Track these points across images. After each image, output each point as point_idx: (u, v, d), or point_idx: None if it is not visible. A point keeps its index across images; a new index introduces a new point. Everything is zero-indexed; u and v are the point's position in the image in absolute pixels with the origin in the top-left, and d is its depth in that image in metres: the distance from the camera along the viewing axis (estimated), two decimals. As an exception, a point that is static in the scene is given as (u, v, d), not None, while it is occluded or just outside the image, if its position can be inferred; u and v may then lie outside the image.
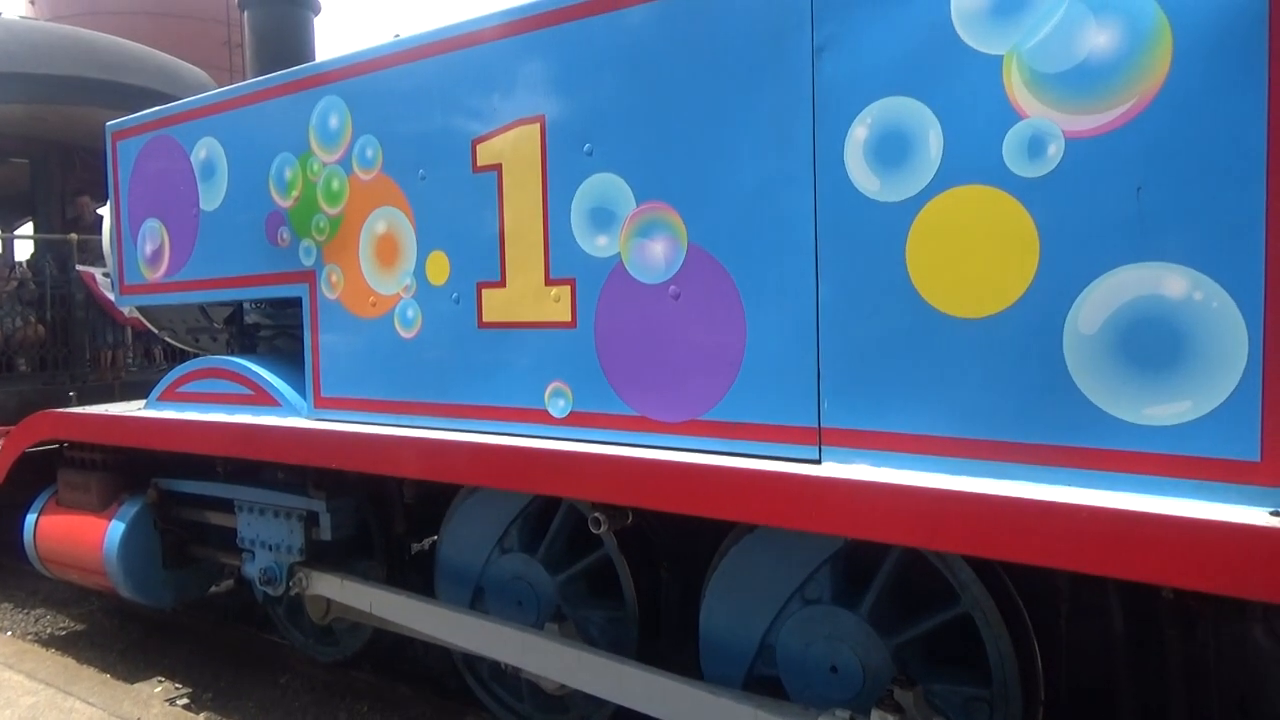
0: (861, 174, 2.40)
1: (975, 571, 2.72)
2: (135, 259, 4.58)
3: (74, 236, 6.82)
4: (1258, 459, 1.93)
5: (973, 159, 2.24)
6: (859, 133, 2.40)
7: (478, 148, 3.21)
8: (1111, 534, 1.97)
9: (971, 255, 2.26)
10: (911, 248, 2.34)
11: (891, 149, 2.35)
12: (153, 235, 4.46)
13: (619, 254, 2.88)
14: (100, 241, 5.63)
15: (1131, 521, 1.95)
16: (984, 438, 2.27)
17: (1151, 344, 2.04)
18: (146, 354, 7.38)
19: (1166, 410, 2.03)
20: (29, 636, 5.45)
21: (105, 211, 5.01)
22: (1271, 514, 1.87)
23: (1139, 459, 2.07)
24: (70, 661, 4.88)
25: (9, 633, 5.51)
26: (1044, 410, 2.18)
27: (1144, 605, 2.65)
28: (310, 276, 3.79)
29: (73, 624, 5.68)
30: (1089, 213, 2.10)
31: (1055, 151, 2.13)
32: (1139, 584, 2.51)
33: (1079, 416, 2.13)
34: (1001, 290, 2.22)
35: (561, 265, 3.03)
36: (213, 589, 5.46)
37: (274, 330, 4.77)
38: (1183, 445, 2.01)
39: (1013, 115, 2.18)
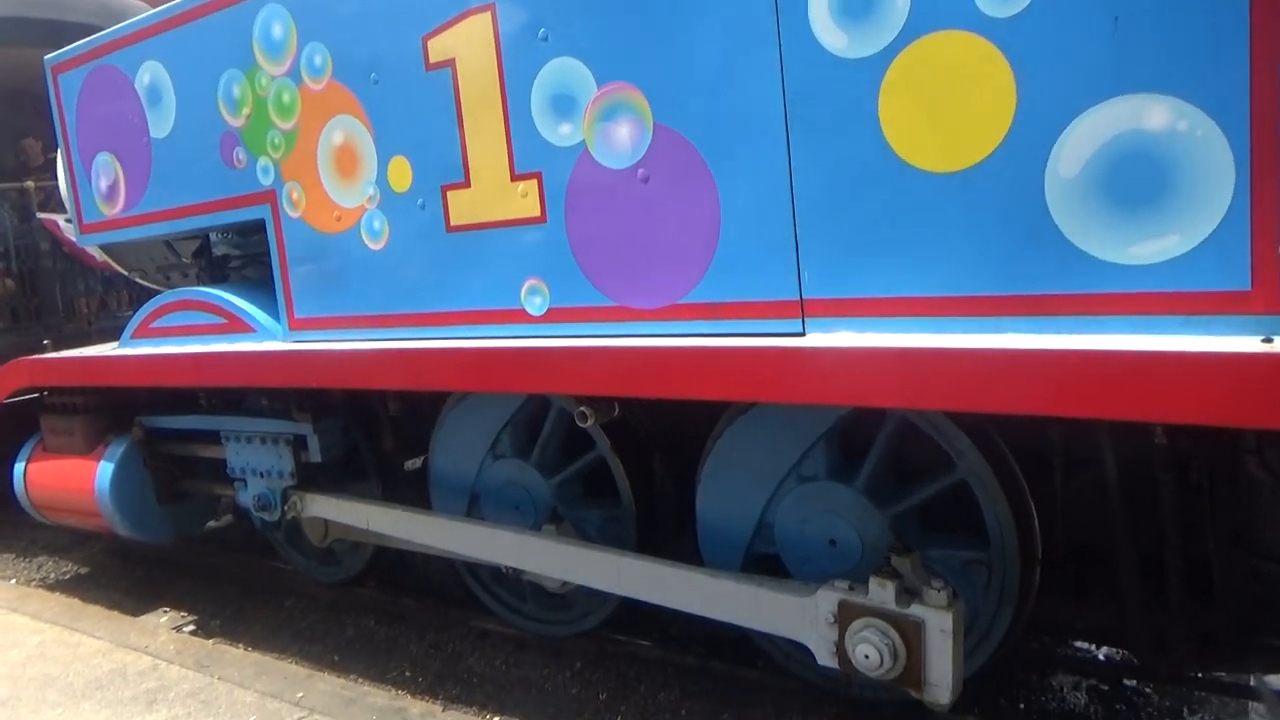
0: (827, 31, 2.30)
1: (969, 437, 2.71)
2: (91, 196, 4.44)
3: (31, 184, 6.61)
4: (1248, 288, 1.89)
5: (942, 4, 2.13)
6: (822, -14, 2.29)
7: (429, 44, 3.07)
8: (1102, 376, 1.94)
9: (946, 106, 2.18)
10: (884, 104, 2.25)
11: (857, 1, 2.24)
12: (106, 170, 4.31)
13: (584, 141, 2.78)
14: (58, 187, 5.46)
15: (1122, 361, 1.92)
16: (969, 294, 2.22)
17: (1135, 180, 1.98)
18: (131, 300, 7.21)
19: (1153, 247, 1.98)
20: (33, 582, 5.47)
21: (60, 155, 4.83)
22: (1263, 341, 1.84)
23: (1127, 300, 2.02)
24: (76, 601, 4.91)
25: (13, 581, 5.53)
26: (1028, 260, 2.13)
27: (1136, 453, 2.65)
28: (271, 196, 3.67)
29: (76, 567, 5.70)
30: (1065, 49, 2.01)
31: (1027, -14, 2.03)
32: (1130, 432, 2.52)
33: (1064, 263, 2.08)
34: (979, 140, 2.15)
35: (526, 159, 2.93)
36: (213, 522, 5.47)
37: (243, 259, 4.65)
38: (1171, 281, 1.97)
39: (981, -48, 2.07)
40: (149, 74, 3.97)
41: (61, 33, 6.92)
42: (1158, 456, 2.58)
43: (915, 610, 2.55)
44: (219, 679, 3.54)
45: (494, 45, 2.91)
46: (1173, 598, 2.70)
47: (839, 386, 2.35)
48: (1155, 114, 1.94)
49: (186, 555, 5.47)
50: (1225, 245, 1.90)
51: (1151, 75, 1.93)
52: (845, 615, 2.66)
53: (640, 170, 2.68)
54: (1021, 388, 2.04)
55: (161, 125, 3.98)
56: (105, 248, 4.90)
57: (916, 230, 2.26)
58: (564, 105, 2.80)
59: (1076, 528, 2.89)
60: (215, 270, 4.62)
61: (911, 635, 2.56)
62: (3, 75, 7.69)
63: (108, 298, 7.13)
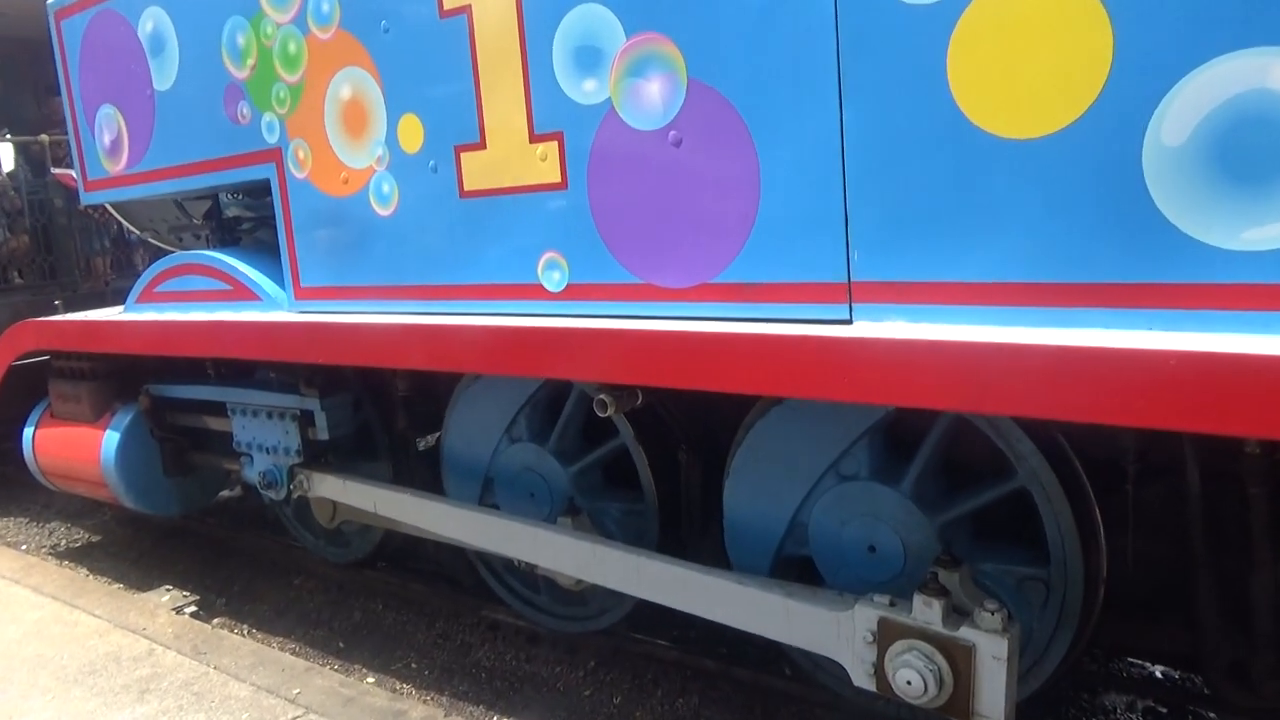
0: (890, -28, 1.99)
1: (1033, 440, 2.41)
2: (95, 151, 4.22)
3: (45, 138, 6.43)
4: (1392, 282, 1.58)
5: (1028, -62, 1.82)
6: (886, -79, 1.97)
7: (443, -12, 2.79)
8: (1207, 383, 1.64)
9: (1028, 61, 1.87)
10: (954, 59, 1.95)
11: (926, -63, 1.93)
12: (109, 123, 4.09)
13: (610, 99, 2.50)
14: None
15: (1233, 366, 1.61)
16: (1046, 280, 1.93)
17: (1254, 151, 1.67)
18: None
19: (1272, 232, 1.67)
20: (43, 550, 5.34)
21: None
22: None
23: (1238, 292, 1.72)
24: (80, 573, 4.77)
25: (24, 547, 5.41)
26: (1119, 243, 1.83)
27: (1222, 461, 2.34)
28: (276, 155, 3.42)
29: (87, 535, 5.57)
30: (1175, -7, 1.70)
31: (1133, -82, 1.71)
32: (1216, 438, 2.22)
33: (1163, 247, 1.78)
34: (1066, 101, 1.84)
35: (546, 118, 2.65)
36: (225, 492, 5.31)
37: (255, 221, 4.43)
38: (1294, 273, 1.66)
39: (1079, -124, 1.75)
40: (152, 21, 3.73)
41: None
42: (1249, 468, 2.28)
43: (965, 633, 2.28)
44: (215, 669, 3.35)
45: (513, -10, 2.62)
46: (1258, 625, 2.41)
47: (889, 385, 2.06)
48: (1282, 72, 1.62)
49: (198, 526, 5.32)
50: (1365, 231, 1.60)
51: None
52: (886, 634, 2.39)
53: (672, 132, 2.40)
54: (1110, 394, 1.74)
55: (165, 76, 3.74)
56: (116, 206, 4.71)
57: (987, 205, 1.96)
58: (589, 58, 2.51)
59: (1148, 542, 2.59)
60: (226, 232, 4.40)
61: (960, 660, 2.29)
62: (27, 27, 7.51)
63: (120, 255, 6.95)
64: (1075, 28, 1.80)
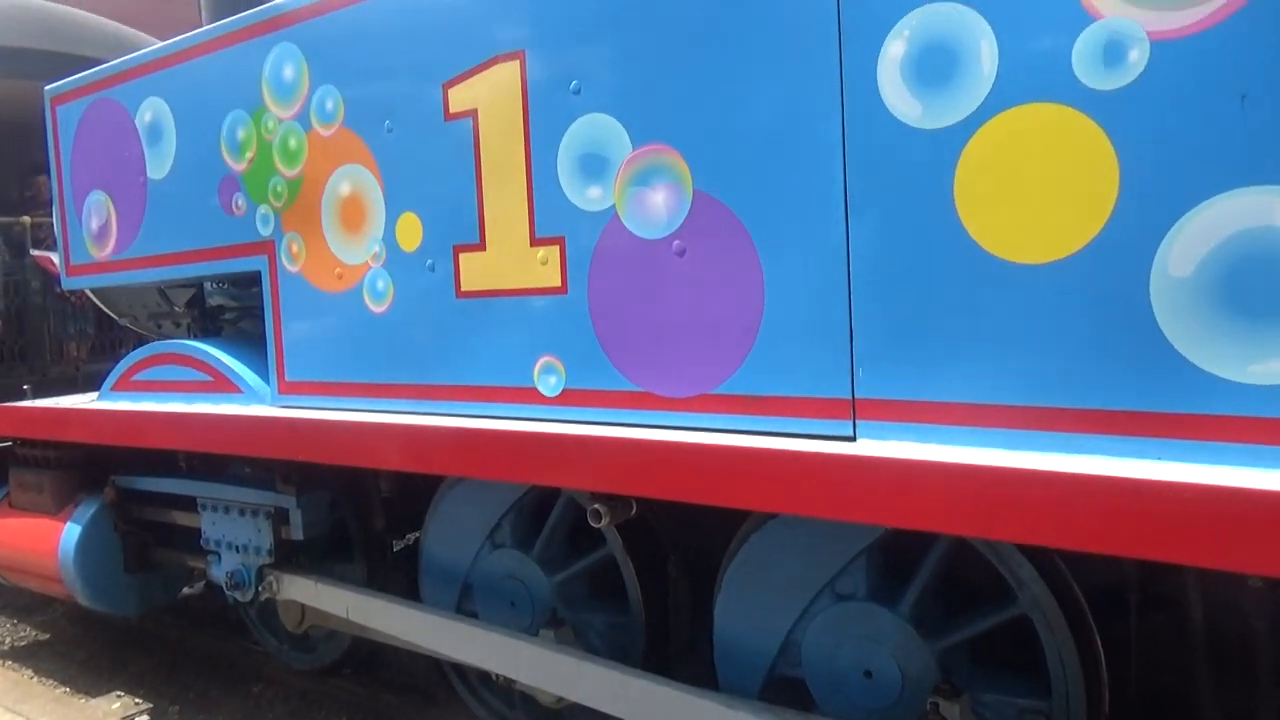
0: (898, 98, 2.03)
1: (1034, 564, 2.37)
2: (81, 236, 4.19)
3: (27, 220, 6.39)
4: (1404, 420, 1.58)
5: (1035, 72, 1.87)
6: (894, 49, 2.03)
7: (449, 92, 2.83)
8: (1227, 517, 1.61)
9: (1035, 189, 1.90)
10: (961, 183, 1.97)
11: (934, 66, 1.98)
12: (98, 209, 4.06)
13: (614, 206, 2.51)
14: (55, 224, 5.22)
15: (1253, 503, 1.59)
16: (1052, 405, 1.91)
17: (1261, 285, 1.68)
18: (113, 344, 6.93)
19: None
20: (-14, 648, 5.08)
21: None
22: None
23: (1246, 425, 1.71)
24: (25, 675, 4.51)
25: (-35, 645, 5.15)
26: (1127, 370, 1.82)
27: (1228, 594, 2.31)
28: (269, 247, 3.40)
29: (35, 633, 5.30)
30: (1181, 130, 1.74)
31: (1138, 57, 1.76)
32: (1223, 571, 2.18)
33: (1171, 376, 1.78)
34: (1072, 229, 1.86)
35: (548, 223, 2.66)
36: (185, 590, 5.09)
37: (238, 312, 4.38)
38: (1305, 408, 1.66)
39: (1085, 17, 1.81)
40: (151, 111, 3.75)
41: (71, 66, 6.77)
42: (1251, 602, 2.24)
43: (969, 768, 2.19)
44: (165, 787, 3.15)
45: (521, 96, 2.66)
46: (1264, 766, 2.33)
47: (892, 505, 2.02)
48: (1289, 210, 1.65)
49: (152, 626, 5.08)
50: (1376, 368, 1.60)
51: (1286, 164, 1.65)
52: (886, 767, 2.29)
53: (676, 242, 2.40)
54: (1124, 525, 1.71)
55: (160, 165, 3.75)
56: (95, 291, 4.65)
57: (994, 328, 1.96)
58: (594, 166, 2.53)
59: (1150, 675, 2.53)
60: (208, 321, 4.34)
61: (964, 798, 2.19)
62: (15, 109, 7.55)
63: (106, 339, 6.83)
64: (1081, 158, 1.83)
